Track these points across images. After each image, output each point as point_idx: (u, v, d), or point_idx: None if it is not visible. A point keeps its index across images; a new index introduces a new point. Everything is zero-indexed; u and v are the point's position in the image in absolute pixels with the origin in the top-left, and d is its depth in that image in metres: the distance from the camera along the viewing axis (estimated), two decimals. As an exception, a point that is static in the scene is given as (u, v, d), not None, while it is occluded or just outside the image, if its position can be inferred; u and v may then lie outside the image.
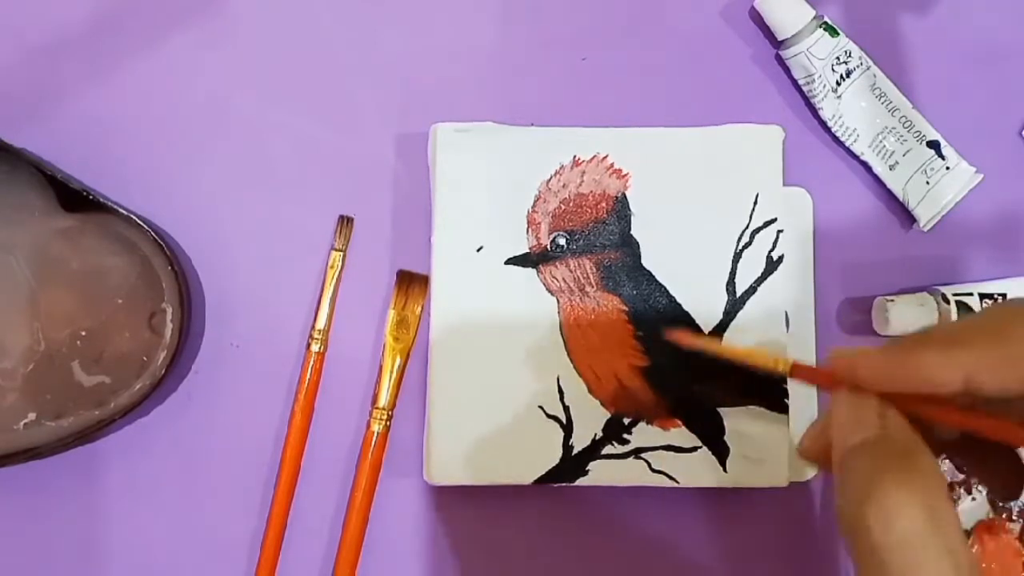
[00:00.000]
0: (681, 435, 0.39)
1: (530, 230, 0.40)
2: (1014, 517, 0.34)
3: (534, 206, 0.40)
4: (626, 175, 0.40)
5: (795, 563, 0.41)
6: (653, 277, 0.39)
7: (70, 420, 0.39)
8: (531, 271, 0.40)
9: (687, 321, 0.39)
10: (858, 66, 0.41)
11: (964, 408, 0.24)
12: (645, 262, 0.40)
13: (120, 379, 0.40)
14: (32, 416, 0.39)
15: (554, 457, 0.39)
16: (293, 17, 0.43)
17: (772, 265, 0.40)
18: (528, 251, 0.40)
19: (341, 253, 0.41)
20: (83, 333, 0.40)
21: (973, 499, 0.36)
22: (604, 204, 0.40)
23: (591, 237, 0.40)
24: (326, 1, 0.43)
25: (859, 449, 0.24)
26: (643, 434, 0.39)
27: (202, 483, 0.41)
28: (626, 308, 0.39)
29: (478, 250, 0.39)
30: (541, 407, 0.39)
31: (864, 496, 0.22)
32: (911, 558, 0.22)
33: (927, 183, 0.41)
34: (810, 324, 0.41)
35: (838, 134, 0.42)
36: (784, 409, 0.39)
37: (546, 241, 0.40)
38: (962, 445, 0.26)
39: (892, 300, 0.40)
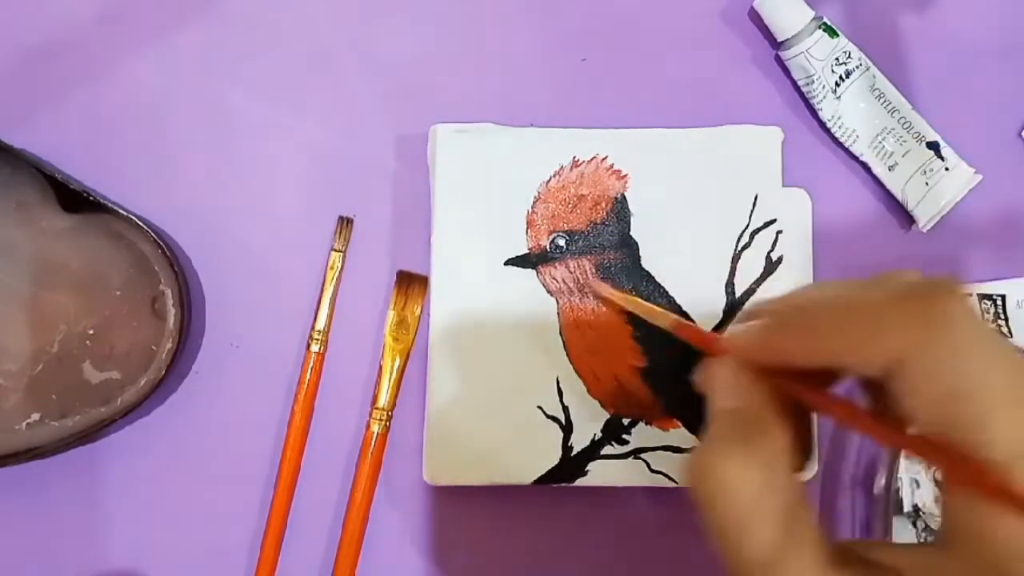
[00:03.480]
0: (680, 436, 0.39)
1: (529, 231, 0.40)
2: None
3: (533, 207, 0.40)
4: (625, 176, 0.40)
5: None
6: (652, 278, 0.40)
7: (75, 419, 0.39)
8: (530, 272, 0.40)
9: (686, 322, 0.40)
10: (857, 67, 0.41)
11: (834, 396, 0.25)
12: (644, 263, 0.40)
13: (129, 373, 0.40)
14: (36, 416, 0.39)
15: (553, 457, 0.39)
16: (293, 17, 0.43)
17: (772, 266, 0.40)
18: (528, 252, 0.40)
19: (341, 254, 0.41)
20: (91, 332, 0.40)
21: None
22: (603, 205, 0.40)
23: (590, 238, 0.40)
24: (326, 1, 0.43)
25: (719, 415, 0.26)
26: (642, 434, 0.39)
27: (202, 483, 0.41)
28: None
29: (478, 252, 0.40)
30: (540, 407, 0.39)
31: (710, 461, 0.25)
32: (743, 522, 0.24)
33: (926, 184, 0.41)
34: (809, 325, 0.41)
35: (837, 135, 0.42)
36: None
37: (545, 242, 0.40)
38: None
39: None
